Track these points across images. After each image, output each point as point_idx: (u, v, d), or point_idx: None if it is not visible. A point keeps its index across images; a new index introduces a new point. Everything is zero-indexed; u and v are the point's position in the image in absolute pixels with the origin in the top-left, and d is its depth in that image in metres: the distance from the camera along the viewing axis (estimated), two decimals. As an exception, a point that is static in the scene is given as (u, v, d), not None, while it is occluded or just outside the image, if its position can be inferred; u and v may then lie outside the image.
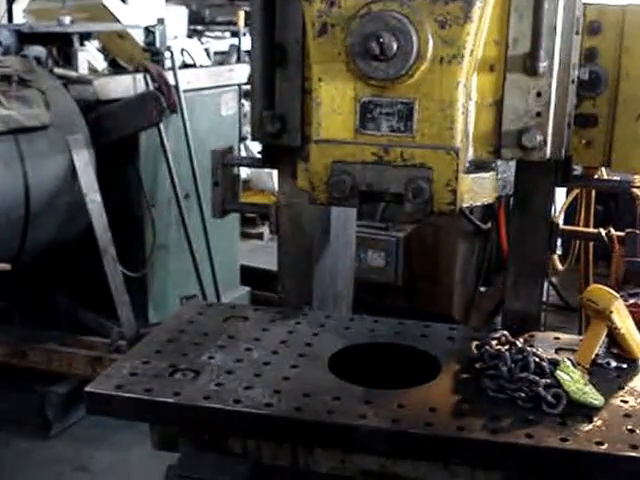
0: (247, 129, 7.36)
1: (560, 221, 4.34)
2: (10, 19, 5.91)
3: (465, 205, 2.28)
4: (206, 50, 8.73)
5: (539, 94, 2.32)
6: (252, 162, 2.91)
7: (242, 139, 7.13)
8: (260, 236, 8.56)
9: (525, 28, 2.28)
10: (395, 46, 2.10)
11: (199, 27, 10.38)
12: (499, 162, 2.39)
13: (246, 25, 8.83)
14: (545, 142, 2.34)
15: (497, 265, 5.70)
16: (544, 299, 2.95)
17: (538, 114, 2.33)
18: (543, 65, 2.29)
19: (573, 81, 2.44)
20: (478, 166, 2.33)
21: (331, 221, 2.91)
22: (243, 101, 6.85)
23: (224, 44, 9.60)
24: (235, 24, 10.19)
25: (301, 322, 2.67)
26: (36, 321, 5.26)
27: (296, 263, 2.81)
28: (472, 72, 2.23)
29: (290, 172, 2.66)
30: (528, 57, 2.29)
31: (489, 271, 5.71)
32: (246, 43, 8.74)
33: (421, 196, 2.15)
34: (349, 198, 2.21)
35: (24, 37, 5.27)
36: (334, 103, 2.21)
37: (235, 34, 9.85)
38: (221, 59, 9.41)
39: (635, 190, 3.06)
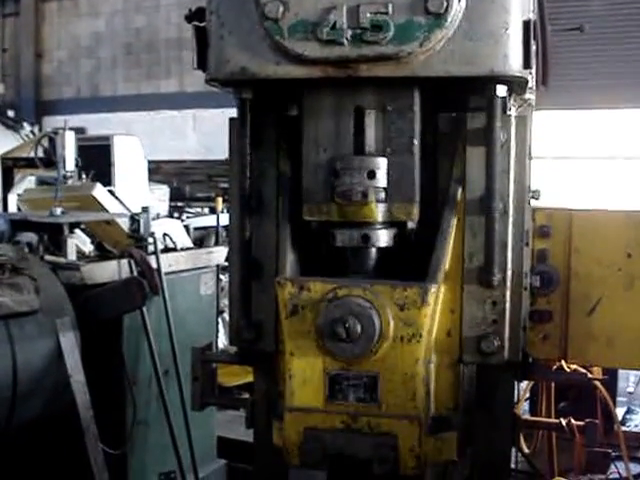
0: (225, 302, 7.40)
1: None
2: (5, 207, 6.02)
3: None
4: (186, 227, 8.90)
5: (494, 303, 2.38)
6: (230, 359, 2.91)
7: (220, 312, 7.16)
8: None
9: (479, 244, 2.37)
10: (359, 329, 2.20)
11: (180, 203, 10.59)
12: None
13: (222, 212, 9.03)
14: (502, 347, 2.39)
15: None
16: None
17: (494, 321, 2.39)
18: (497, 278, 2.36)
19: (525, 288, 2.50)
20: (440, 423, 2.36)
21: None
22: (221, 277, 6.93)
23: (203, 220, 9.79)
24: (214, 199, 10.41)
25: None
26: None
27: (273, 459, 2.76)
28: (431, 349, 2.31)
29: (266, 370, 2.67)
30: (483, 270, 2.36)
31: None
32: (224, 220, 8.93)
33: (387, 462, 2.20)
34: (320, 462, 2.25)
35: (17, 224, 5.35)
36: (305, 375, 2.29)
37: (213, 210, 10.05)
38: (200, 235, 9.59)
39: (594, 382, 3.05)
